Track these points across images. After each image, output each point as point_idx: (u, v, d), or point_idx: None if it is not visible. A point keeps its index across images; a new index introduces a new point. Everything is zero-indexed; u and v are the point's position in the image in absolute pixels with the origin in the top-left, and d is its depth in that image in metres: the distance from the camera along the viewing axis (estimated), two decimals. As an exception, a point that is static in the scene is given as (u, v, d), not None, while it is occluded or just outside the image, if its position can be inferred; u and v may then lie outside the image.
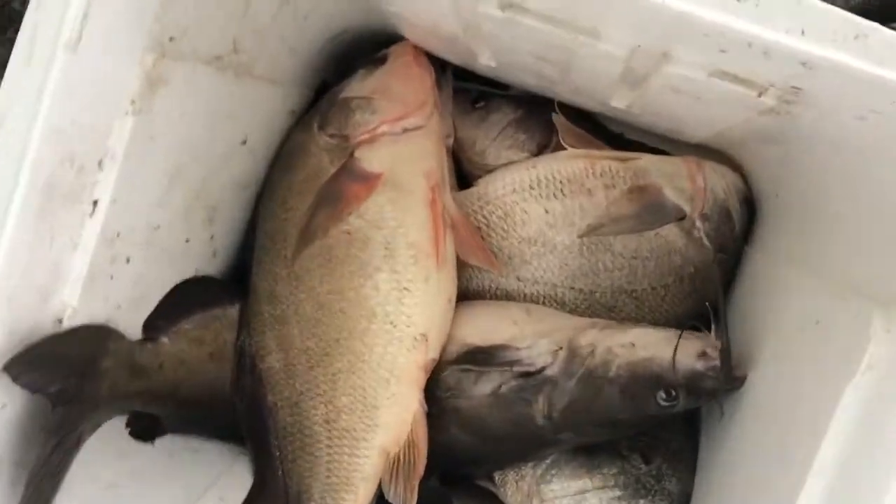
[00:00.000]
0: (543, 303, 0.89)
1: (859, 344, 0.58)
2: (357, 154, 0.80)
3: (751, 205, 0.92)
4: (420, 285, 0.78)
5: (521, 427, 0.80)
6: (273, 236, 0.82)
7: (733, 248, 0.91)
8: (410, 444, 0.77)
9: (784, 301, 0.76)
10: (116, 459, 0.77)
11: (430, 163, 0.82)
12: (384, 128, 0.81)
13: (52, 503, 0.67)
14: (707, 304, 0.80)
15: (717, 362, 0.76)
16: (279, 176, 0.87)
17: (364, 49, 0.92)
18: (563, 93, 0.89)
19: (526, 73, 0.86)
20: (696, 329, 0.80)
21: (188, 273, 0.82)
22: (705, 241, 0.88)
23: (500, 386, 0.80)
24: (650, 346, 0.78)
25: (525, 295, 0.89)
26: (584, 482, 0.86)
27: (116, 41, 0.60)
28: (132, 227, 0.70)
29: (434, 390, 0.80)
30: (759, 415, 0.75)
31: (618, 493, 0.85)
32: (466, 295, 0.89)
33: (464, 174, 0.98)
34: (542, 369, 0.79)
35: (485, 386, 0.80)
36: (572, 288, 0.88)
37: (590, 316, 0.87)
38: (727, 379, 0.76)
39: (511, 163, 0.93)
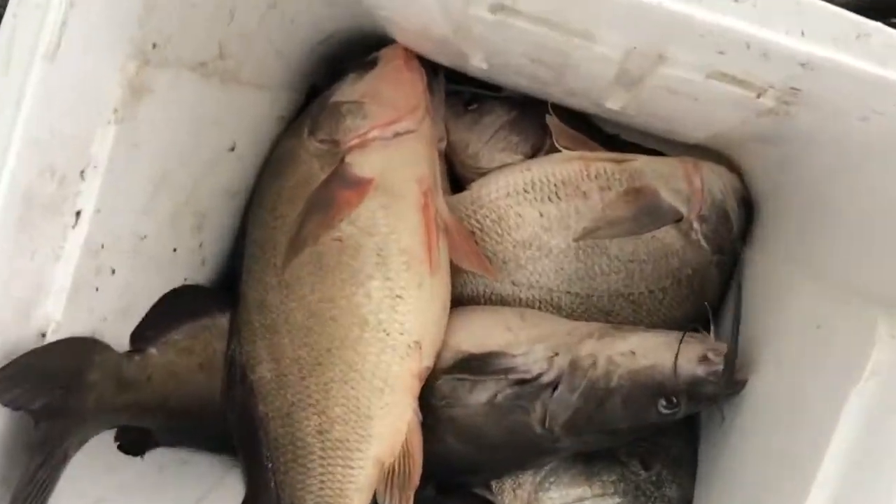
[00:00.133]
0: (539, 307, 0.88)
1: (863, 349, 0.57)
2: (348, 159, 0.80)
3: (749, 205, 0.91)
4: (413, 292, 0.77)
5: (519, 435, 0.79)
6: (263, 244, 0.82)
7: (731, 249, 0.90)
8: (405, 454, 0.76)
9: (784, 304, 0.75)
10: (104, 474, 0.76)
11: (423, 167, 0.82)
12: (375, 132, 0.81)
13: (39, 521, 0.66)
14: (706, 305, 0.80)
15: (719, 367, 0.75)
16: (269, 182, 0.86)
17: (354, 52, 0.91)
18: (557, 94, 0.89)
19: (519, 74, 0.85)
20: (695, 330, 0.79)
21: (176, 282, 0.81)
22: (703, 243, 0.88)
23: (495, 394, 0.79)
24: (650, 353, 0.77)
25: (520, 300, 0.88)
26: (582, 490, 0.85)
27: (97, 49, 0.59)
28: (117, 237, 0.69)
29: (429, 399, 0.79)
30: (759, 420, 0.74)
31: (617, 500, 0.84)
32: (461, 300, 0.88)
33: (457, 178, 0.98)
34: (539, 376, 0.78)
35: (480, 394, 0.79)
36: (568, 292, 0.87)
37: (586, 320, 0.86)
38: (728, 383, 0.76)
39: (505, 165, 0.93)
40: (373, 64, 0.87)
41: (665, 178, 0.88)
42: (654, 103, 0.74)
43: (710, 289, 0.90)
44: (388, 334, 0.76)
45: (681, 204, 0.87)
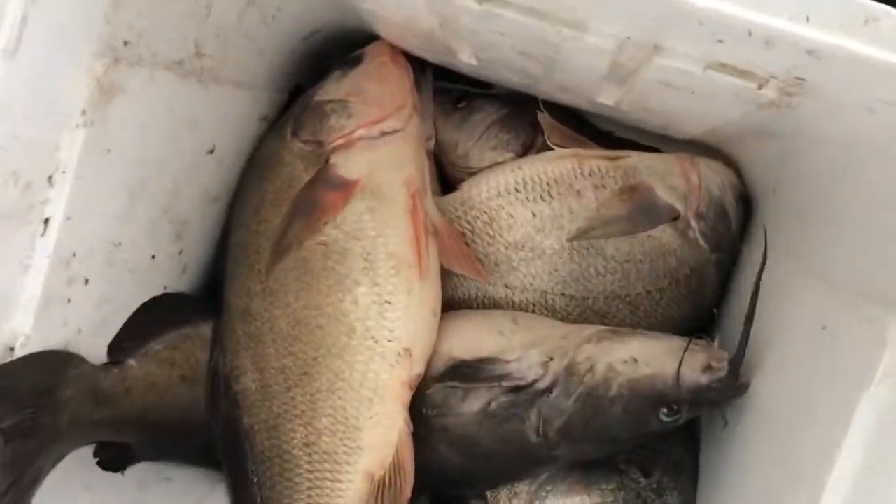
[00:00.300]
0: (533, 311, 0.87)
1: (874, 352, 0.55)
2: (333, 160, 0.79)
3: (747, 202, 0.90)
4: (402, 298, 0.76)
5: (514, 445, 0.77)
6: (246, 249, 0.80)
7: (730, 247, 0.89)
8: (396, 466, 0.75)
9: (786, 303, 0.73)
10: (83, 492, 0.74)
11: (410, 168, 0.80)
12: (361, 132, 0.80)
13: (11, 545, 0.64)
14: (714, 311, 0.79)
15: (723, 374, 0.73)
16: (251, 185, 0.84)
17: (339, 49, 0.90)
18: (549, 90, 0.88)
19: (509, 70, 0.84)
20: (699, 338, 0.77)
21: (156, 291, 0.79)
22: (701, 242, 0.87)
23: (489, 402, 0.77)
24: (653, 360, 0.75)
25: (514, 303, 0.87)
26: (581, 498, 0.83)
27: (61, 46, 0.57)
28: (90, 246, 0.67)
29: (420, 408, 0.78)
30: (764, 425, 0.73)
31: (617, 508, 0.84)
32: (452, 305, 0.87)
33: (446, 178, 0.97)
34: (534, 383, 0.77)
35: (473, 403, 0.78)
36: (563, 294, 0.86)
37: (582, 323, 0.85)
38: (730, 387, 0.74)
39: (495, 164, 0.92)
40: (358, 61, 0.86)
41: (661, 174, 0.87)
42: (648, 98, 0.72)
43: (708, 288, 0.89)
44: (376, 342, 0.75)
45: (677, 201, 0.86)
